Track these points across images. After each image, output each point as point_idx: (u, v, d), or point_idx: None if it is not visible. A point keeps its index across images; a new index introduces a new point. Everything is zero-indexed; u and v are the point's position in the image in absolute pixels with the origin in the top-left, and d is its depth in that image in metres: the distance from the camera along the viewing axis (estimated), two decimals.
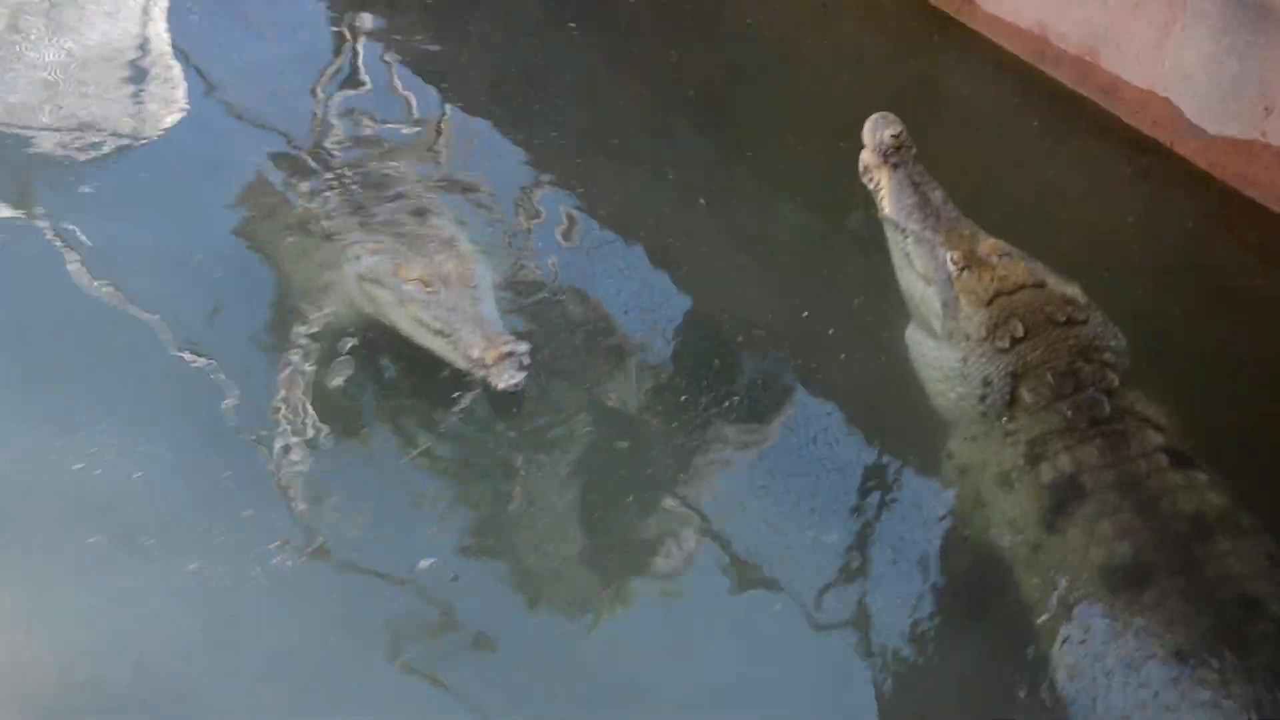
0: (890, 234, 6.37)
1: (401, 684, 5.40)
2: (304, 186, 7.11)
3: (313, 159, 7.38)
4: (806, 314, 6.70)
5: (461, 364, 6.04)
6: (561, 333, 6.65)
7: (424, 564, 5.72)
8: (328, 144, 7.56)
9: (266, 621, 5.50)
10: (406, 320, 6.27)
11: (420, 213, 6.79)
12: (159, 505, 5.81)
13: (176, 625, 5.46)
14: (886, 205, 6.32)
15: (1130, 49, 7.41)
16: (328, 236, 6.70)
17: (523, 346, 5.94)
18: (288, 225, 6.87)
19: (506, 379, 5.89)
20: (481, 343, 5.93)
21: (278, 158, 7.45)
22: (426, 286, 6.20)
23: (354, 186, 6.99)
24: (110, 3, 8.56)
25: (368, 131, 7.70)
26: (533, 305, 6.68)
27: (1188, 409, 5.98)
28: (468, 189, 7.27)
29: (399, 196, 6.91)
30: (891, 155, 6.28)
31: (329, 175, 7.14)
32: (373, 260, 6.40)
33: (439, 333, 6.11)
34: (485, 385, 5.98)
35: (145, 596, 5.52)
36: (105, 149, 7.54)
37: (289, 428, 6.20)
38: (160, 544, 5.68)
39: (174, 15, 8.53)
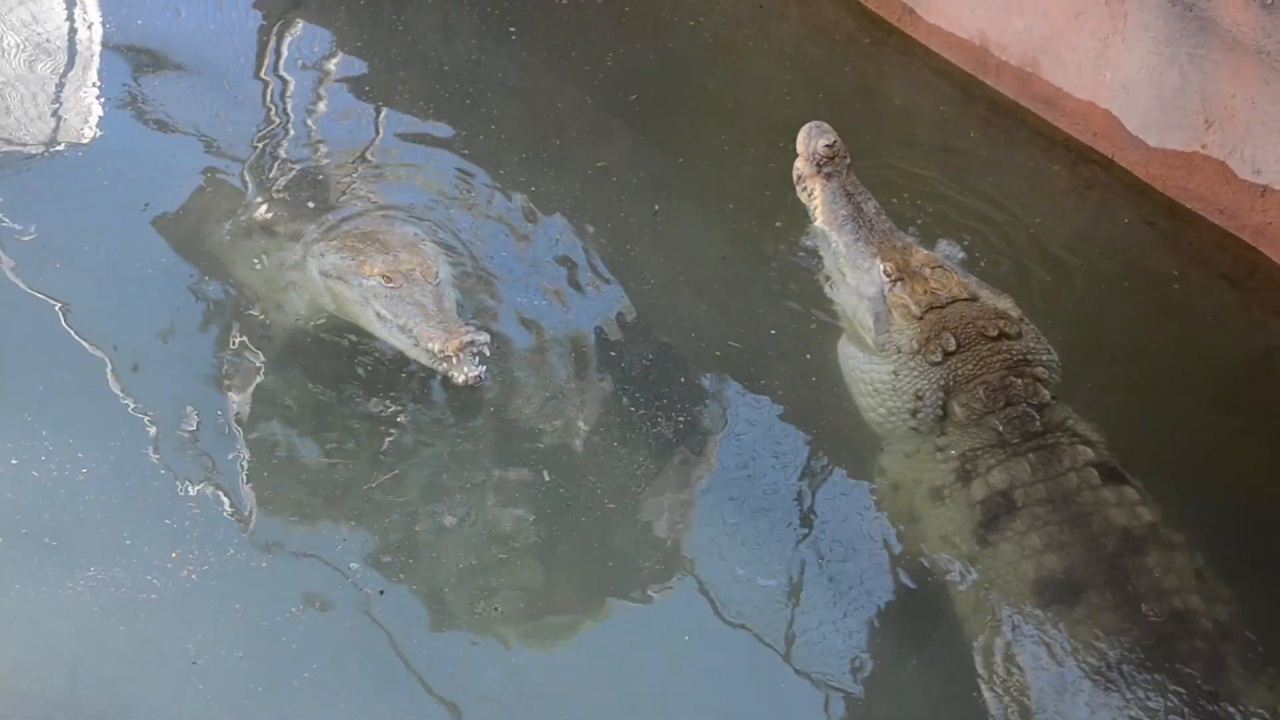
0: (823, 245, 6.47)
1: (327, 697, 5.49)
2: (261, 188, 7.24)
3: (266, 163, 7.47)
4: (772, 331, 6.79)
5: (424, 359, 6.17)
6: (507, 341, 6.73)
7: (353, 578, 5.82)
8: (277, 148, 7.63)
9: (203, 628, 5.60)
10: (370, 317, 6.40)
11: (381, 213, 6.95)
12: (92, 509, 5.93)
13: (106, 632, 5.56)
14: (819, 215, 6.41)
15: (1071, 60, 7.53)
16: (291, 237, 6.83)
17: (483, 336, 6.08)
18: (247, 227, 6.99)
19: (466, 372, 6.01)
20: (441, 335, 6.07)
21: (229, 162, 7.51)
22: (389, 282, 6.33)
23: (313, 188, 7.13)
24: (41, 3, 8.55)
25: (316, 135, 7.78)
26: (481, 312, 6.77)
27: (1126, 419, 6.16)
28: (416, 192, 7.39)
29: (357, 198, 7.05)
30: (825, 165, 6.37)
31: (286, 178, 7.29)
32: (336, 258, 6.53)
33: (401, 328, 6.24)
34: (448, 383, 6.12)
35: (75, 602, 5.63)
36: (40, 153, 7.58)
37: (231, 431, 6.33)
38: (93, 548, 5.79)
39: (106, 16, 8.52)
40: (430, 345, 6.07)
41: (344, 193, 7.09)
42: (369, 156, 7.60)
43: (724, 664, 5.72)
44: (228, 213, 7.11)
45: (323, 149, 7.62)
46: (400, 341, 6.29)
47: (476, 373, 6.03)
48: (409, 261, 6.45)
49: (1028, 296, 6.38)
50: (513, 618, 5.78)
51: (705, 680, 5.66)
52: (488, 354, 6.09)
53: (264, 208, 7.06)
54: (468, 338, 6.01)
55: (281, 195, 7.13)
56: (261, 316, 6.72)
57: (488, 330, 6.28)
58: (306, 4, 8.71)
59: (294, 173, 7.31)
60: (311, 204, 6.98)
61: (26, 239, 6.98)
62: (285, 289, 6.73)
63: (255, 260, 6.84)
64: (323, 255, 6.59)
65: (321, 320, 6.68)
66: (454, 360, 6.01)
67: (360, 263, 6.44)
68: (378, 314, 6.33)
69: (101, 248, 7.00)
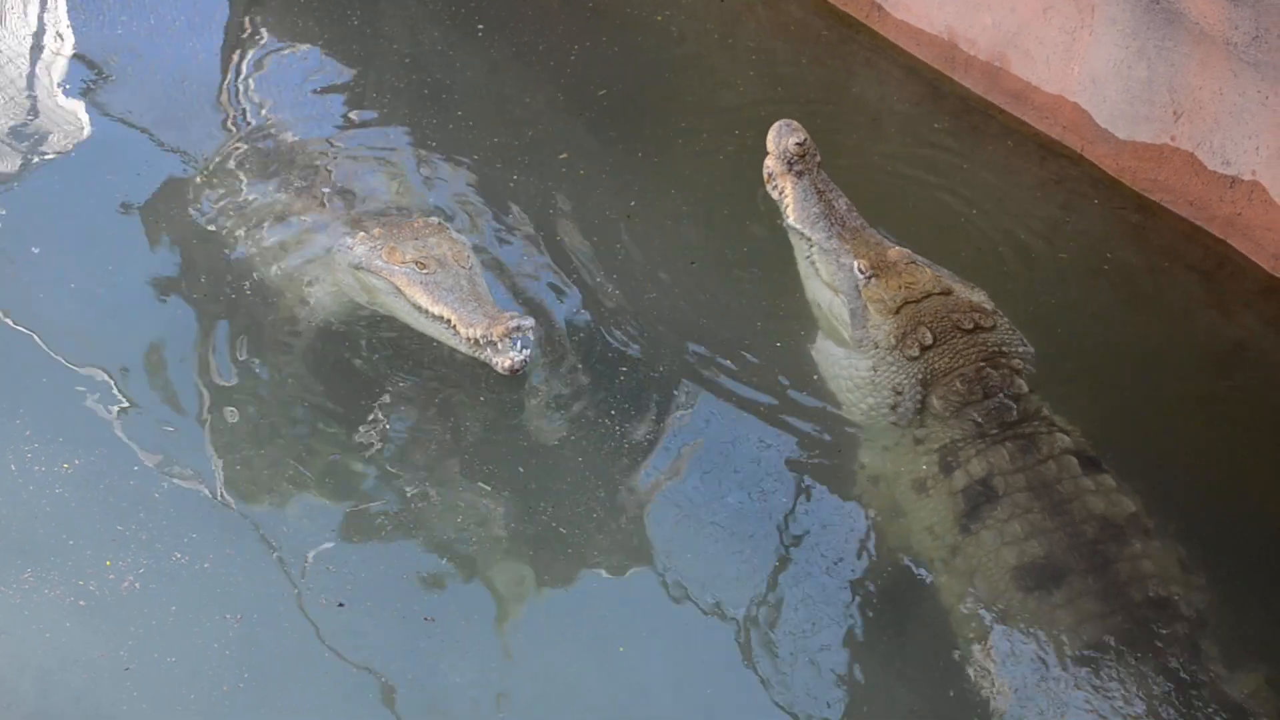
0: (795, 242, 6.65)
1: (260, 705, 5.57)
2: (271, 185, 7.21)
3: (273, 157, 7.48)
4: (742, 331, 6.86)
5: (463, 347, 6.20)
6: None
7: (297, 586, 5.87)
8: (257, 143, 7.65)
9: (137, 633, 5.66)
10: (404, 308, 6.43)
11: (401, 206, 7.02)
12: (51, 512, 5.98)
13: (36, 637, 5.61)
14: (791, 213, 6.58)
15: (1039, 54, 7.73)
16: (309, 230, 6.84)
17: (528, 321, 6.08)
18: (262, 220, 6.98)
19: (511, 356, 6.03)
20: (484, 321, 6.07)
21: (233, 157, 7.57)
22: (423, 267, 6.35)
23: (330, 181, 7.15)
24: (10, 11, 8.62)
25: (287, 129, 7.77)
26: None
27: (1097, 411, 6.35)
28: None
29: (372, 192, 7.10)
30: (795, 163, 6.53)
31: (300, 171, 7.25)
32: (365, 249, 6.55)
33: (439, 317, 6.25)
34: (488, 368, 6.12)
35: (9, 605, 5.69)
36: (26, 161, 7.65)
37: (203, 436, 6.37)
38: (42, 550, 5.84)
39: (75, 20, 8.59)
40: (471, 332, 6.06)
41: (360, 185, 7.13)
42: (343, 149, 7.62)
43: (716, 656, 5.83)
44: (241, 205, 7.12)
45: (302, 143, 7.61)
46: (438, 332, 6.31)
47: (522, 357, 6.05)
48: (439, 246, 6.47)
49: (1000, 290, 6.54)
50: (452, 629, 5.80)
51: (699, 672, 5.77)
52: (532, 338, 6.09)
53: (283, 200, 7.05)
54: (514, 323, 6.00)
55: (301, 190, 7.11)
56: (297, 308, 6.72)
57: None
58: (269, 1, 8.82)
59: (315, 168, 7.29)
60: (334, 197, 6.99)
61: (34, 251, 7.08)
62: (309, 284, 6.73)
63: (267, 253, 6.84)
64: (350, 249, 6.59)
65: (350, 315, 6.71)
66: (497, 346, 6.01)
67: (390, 249, 6.45)
68: (414, 305, 6.33)
69: (95, 256, 7.07)
